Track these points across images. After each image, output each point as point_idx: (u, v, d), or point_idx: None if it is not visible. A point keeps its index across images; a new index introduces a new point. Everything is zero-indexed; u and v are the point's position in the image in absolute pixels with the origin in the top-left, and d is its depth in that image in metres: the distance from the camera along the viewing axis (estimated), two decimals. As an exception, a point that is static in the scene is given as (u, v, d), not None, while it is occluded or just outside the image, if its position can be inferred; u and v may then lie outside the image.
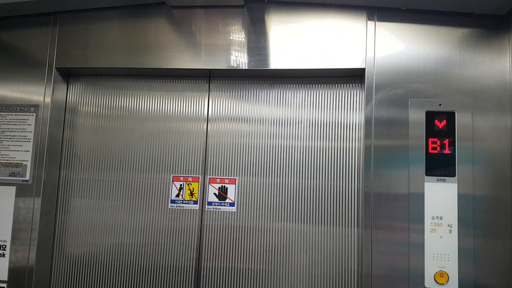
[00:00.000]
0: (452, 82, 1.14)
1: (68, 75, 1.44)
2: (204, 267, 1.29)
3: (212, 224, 1.30)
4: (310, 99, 1.30)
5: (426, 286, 1.08)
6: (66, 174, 1.40)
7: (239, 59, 1.27)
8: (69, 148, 1.41)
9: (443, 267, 1.07)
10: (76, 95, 1.44)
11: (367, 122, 1.17)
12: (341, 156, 1.26)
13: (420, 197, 1.10)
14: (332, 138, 1.27)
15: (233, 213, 1.30)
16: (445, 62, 1.15)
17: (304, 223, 1.25)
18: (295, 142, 1.29)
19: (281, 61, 1.25)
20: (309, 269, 1.24)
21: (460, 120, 1.11)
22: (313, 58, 1.23)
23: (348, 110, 1.28)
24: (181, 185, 1.33)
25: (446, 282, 1.06)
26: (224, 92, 1.36)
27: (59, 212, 1.38)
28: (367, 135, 1.16)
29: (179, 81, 1.40)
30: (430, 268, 1.07)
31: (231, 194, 1.30)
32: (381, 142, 1.15)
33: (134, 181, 1.36)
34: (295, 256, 1.24)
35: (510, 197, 1.07)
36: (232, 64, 1.27)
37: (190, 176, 1.34)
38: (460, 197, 1.08)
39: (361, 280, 1.15)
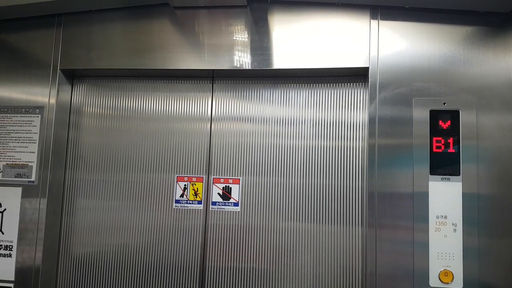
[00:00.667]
0: (456, 81, 1.13)
1: (73, 76, 1.45)
2: (208, 267, 1.30)
3: (216, 224, 1.31)
4: (314, 99, 1.30)
5: (431, 285, 1.07)
6: (71, 174, 1.41)
7: (242, 59, 1.27)
8: (74, 149, 1.42)
9: (447, 266, 1.07)
10: (81, 96, 1.45)
11: (371, 121, 1.16)
12: (345, 155, 1.26)
13: (425, 196, 1.10)
14: (336, 137, 1.27)
15: (237, 213, 1.30)
16: (449, 60, 1.14)
17: (308, 222, 1.25)
18: (299, 142, 1.29)
19: (284, 60, 1.24)
20: (313, 268, 1.24)
21: (465, 118, 1.11)
22: (316, 58, 1.23)
23: (352, 109, 1.28)
24: (185, 185, 1.33)
25: (451, 281, 1.06)
26: (228, 92, 1.37)
27: (65, 212, 1.39)
28: (371, 134, 1.16)
29: (183, 81, 1.40)
30: (435, 267, 1.07)
31: (235, 194, 1.30)
32: (385, 141, 1.15)
33: (139, 182, 1.36)
34: (300, 255, 1.25)
35: (515, 195, 1.06)
36: (235, 64, 1.27)
37: (194, 176, 1.34)
38: (464, 196, 1.08)
39: (365, 279, 1.15)
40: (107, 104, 1.43)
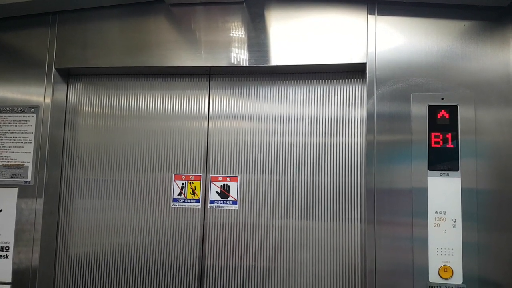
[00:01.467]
0: (454, 76, 1.13)
1: (68, 75, 1.43)
2: (207, 265, 1.29)
3: (215, 222, 1.30)
4: (312, 95, 1.30)
5: (431, 281, 1.07)
6: (68, 174, 1.40)
7: (239, 56, 1.26)
8: (70, 149, 1.41)
9: (447, 261, 1.07)
10: (76, 95, 1.43)
11: (369, 117, 1.16)
12: (343, 152, 1.26)
13: (423, 191, 1.09)
14: (334, 134, 1.27)
15: (235, 211, 1.30)
16: (447, 55, 1.14)
17: (307, 219, 1.25)
18: (297, 139, 1.29)
19: (282, 57, 1.24)
20: (313, 266, 1.23)
21: (463, 113, 1.10)
22: (314, 54, 1.22)
23: (350, 106, 1.27)
24: (183, 183, 1.32)
25: (451, 276, 1.06)
26: (225, 89, 1.36)
27: (62, 212, 1.38)
28: (369, 130, 1.15)
29: (180, 79, 1.39)
30: (434, 263, 1.07)
31: (234, 192, 1.30)
32: (383, 137, 1.14)
33: (136, 181, 1.35)
34: (299, 253, 1.24)
35: (514, 190, 1.06)
36: (232, 61, 1.26)
37: (192, 175, 1.33)
38: (463, 191, 1.08)
39: (365, 276, 1.14)
40: (103, 103, 1.42)
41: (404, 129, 1.13)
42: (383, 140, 1.14)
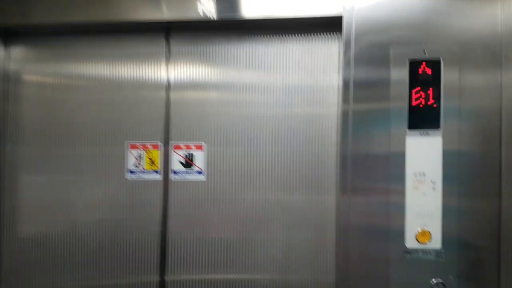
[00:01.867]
0: (439, 31, 1.03)
1: (6, 35, 1.24)
2: (170, 240, 1.20)
3: (178, 194, 1.20)
4: (283, 58, 1.17)
5: (407, 246, 1.02)
6: (11, 149, 1.25)
7: (204, 7, 1.11)
8: (11, 121, 1.25)
9: (425, 225, 1.01)
10: (16, 60, 1.26)
11: (345, 76, 1.05)
12: (318, 120, 1.15)
13: (402, 153, 1.02)
14: (307, 102, 1.16)
15: (202, 183, 1.19)
16: (431, 9, 1.03)
17: (279, 191, 1.16)
18: (268, 109, 1.17)
19: (250, 8, 1.10)
20: (284, 237, 1.16)
21: (446, 69, 1.02)
22: (286, 5, 1.09)
23: (325, 70, 1.16)
24: (140, 153, 1.20)
25: (428, 241, 1.01)
26: (187, 49, 1.21)
27: (6, 190, 1.25)
28: (345, 88, 1.05)
29: (135, 37, 1.23)
30: (411, 228, 1.02)
31: (199, 162, 1.18)
32: (360, 98, 1.05)
33: (87, 154, 1.22)
34: (270, 224, 1.16)
35: (498, 154, 1.00)
36: (196, 14, 1.11)
37: (149, 143, 1.20)
38: (445, 152, 1.01)
39: (338, 245, 1.08)
40: (48, 69, 1.25)
41: (382, 88, 1.04)
42: (360, 100, 1.05)
